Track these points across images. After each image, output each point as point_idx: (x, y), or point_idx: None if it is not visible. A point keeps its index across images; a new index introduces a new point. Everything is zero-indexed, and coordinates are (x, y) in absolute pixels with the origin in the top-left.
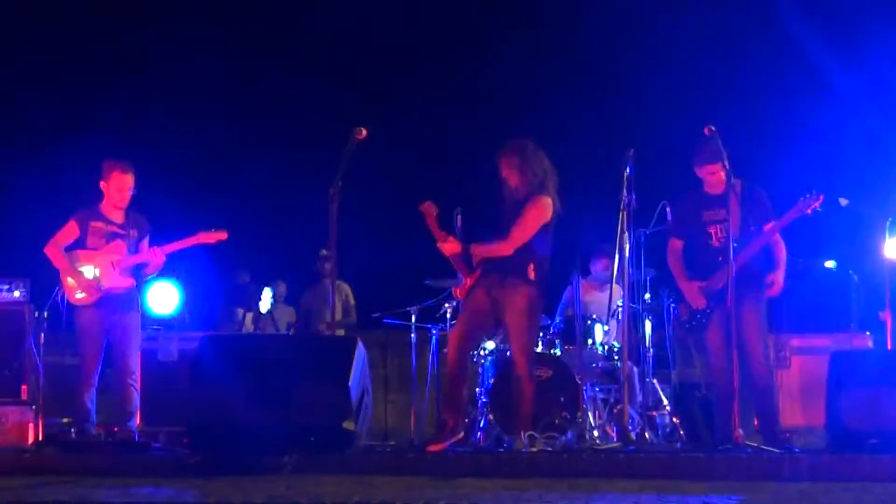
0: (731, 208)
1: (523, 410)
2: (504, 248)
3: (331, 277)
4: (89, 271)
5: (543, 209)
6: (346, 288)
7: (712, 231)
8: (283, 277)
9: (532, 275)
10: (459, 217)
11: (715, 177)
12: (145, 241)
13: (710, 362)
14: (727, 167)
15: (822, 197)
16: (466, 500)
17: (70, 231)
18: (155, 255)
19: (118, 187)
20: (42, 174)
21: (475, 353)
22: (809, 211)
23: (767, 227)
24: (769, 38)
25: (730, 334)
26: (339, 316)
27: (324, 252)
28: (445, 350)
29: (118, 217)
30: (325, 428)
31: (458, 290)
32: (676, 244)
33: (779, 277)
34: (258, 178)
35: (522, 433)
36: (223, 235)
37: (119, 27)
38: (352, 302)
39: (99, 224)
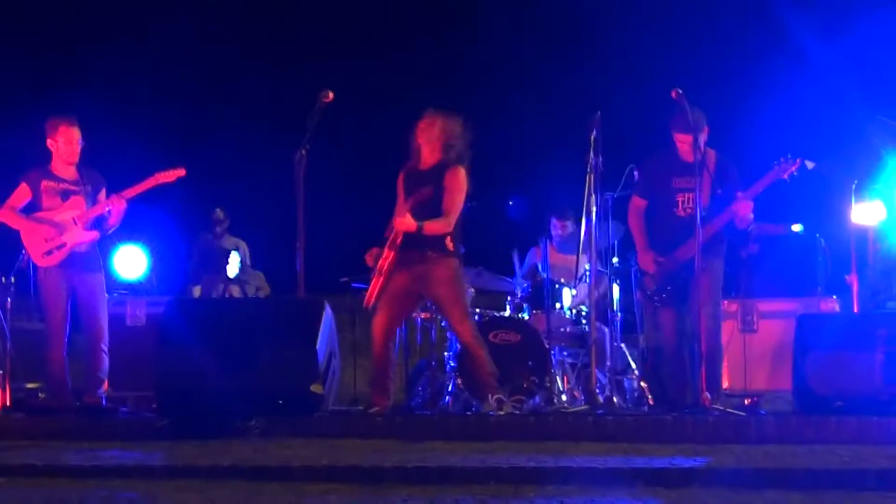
0: (702, 179)
1: (483, 376)
2: (445, 226)
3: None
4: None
5: (464, 180)
6: (245, 246)
7: (679, 199)
8: (249, 241)
9: (451, 246)
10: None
11: (687, 146)
12: (102, 194)
13: (667, 340)
14: (703, 138)
15: (798, 161)
16: (435, 463)
17: (22, 193)
18: (115, 203)
19: (66, 141)
20: (5, 139)
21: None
22: (786, 176)
23: (740, 193)
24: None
25: (683, 314)
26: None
27: (218, 213)
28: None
29: (70, 174)
30: (292, 391)
31: (371, 259)
32: (640, 203)
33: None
34: (225, 141)
35: (490, 396)
36: (181, 172)
37: None
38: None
39: (51, 183)
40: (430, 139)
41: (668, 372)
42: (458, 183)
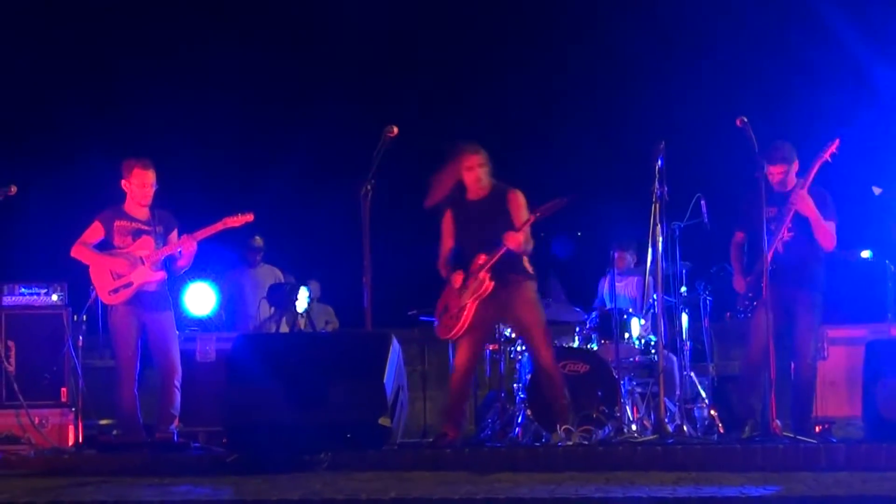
0: (786, 209)
1: (559, 403)
2: (528, 242)
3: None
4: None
5: (525, 201)
6: (279, 273)
7: (773, 228)
8: (317, 277)
9: (530, 268)
10: None
11: (775, 177)
12: (173, 235)
13: (748, 348)
14: (795, 168)
15: (837, 140)
16: (504, 495)
17: (95, 231)
18: (186, 243)
19: (139, 184)
20: (76, 177)
21: (512, 349)
22: (828, 156)
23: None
24: (800, 28)
25: (770, 327)
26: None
27: (257, 240)
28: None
29: (143, 214)
30: (361, 425)
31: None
32: (739, 237)
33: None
34: (291, 177)
35: (559, 427)
36: (249, 217)
37: (150, 25)
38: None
39: (123, 222)
40: (476, 173)
41: (744, 378)
42: (524, 203)
